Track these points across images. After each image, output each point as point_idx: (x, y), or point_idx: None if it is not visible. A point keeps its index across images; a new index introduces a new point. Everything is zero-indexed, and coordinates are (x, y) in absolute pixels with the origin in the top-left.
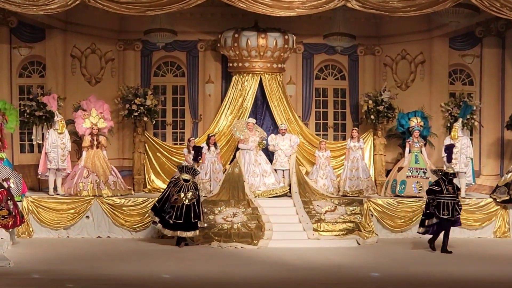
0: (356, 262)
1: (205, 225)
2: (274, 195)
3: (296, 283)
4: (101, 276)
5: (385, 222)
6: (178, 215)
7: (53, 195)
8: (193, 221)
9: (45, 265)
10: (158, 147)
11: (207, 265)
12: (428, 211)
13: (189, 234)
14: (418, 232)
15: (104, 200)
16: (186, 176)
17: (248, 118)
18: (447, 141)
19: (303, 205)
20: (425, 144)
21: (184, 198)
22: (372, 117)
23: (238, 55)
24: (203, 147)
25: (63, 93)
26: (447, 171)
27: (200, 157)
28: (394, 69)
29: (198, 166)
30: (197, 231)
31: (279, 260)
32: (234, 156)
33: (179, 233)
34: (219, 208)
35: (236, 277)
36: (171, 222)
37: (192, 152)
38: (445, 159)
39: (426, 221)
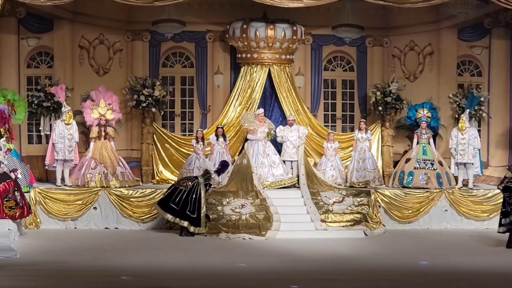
0: (363, 253)
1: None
2: (282, 186)
3: (303, 273)
4: (108, 267)
5: (393, 213)
6: (177, 200)
7: (60, 186)
8: (187, 212)
9: (52, 256)
10: (167, 138)
11: (215, 256)
12: (504, 209)
13: (184, 223)
14: (498, 232)
15: (112, 191)
16: (200, 179)
17: (257, 109)
18: (455, 132)
19: (311, 196)
20: (434, 136)
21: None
22: (380, 108)
23: (246, 46)
24: (228, 165)
25: (71, 84)
26: None
27: (222, 172)
28: (402, 61)
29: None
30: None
31: (287, 251)
32: (243, 147)
33: (171, 218)
34: (227, 199)
35: (243, 268)
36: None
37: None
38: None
39: (503, 219)
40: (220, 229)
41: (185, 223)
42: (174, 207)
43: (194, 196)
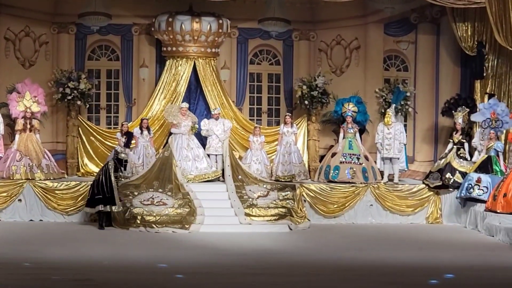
0: (288, 247)
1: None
2: (206, 180)
3: (226, 267)
4: (31, 260)
5: (318, 207)
6: (96, 191)
7: None
8: (107, 195)
9: None
10: (92, 131)
11: (139, 249)
12: None
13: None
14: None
15: (37, 183)
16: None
17: (182, 102)
18: (381, 126)
19: (236, 190)
20: (361, 130)
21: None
22: (306, 102)
23: (172, 40)
24: (133, 132)
25: None
26: None
27: (130, 142)
28: (329, 55)
29: (131, 151)
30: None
31: (211, 244)
32: (167, 141)
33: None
34: (141, 191)
35: (167, 261)
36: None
37: (125, 137)
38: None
39: None
40: (139, 221)
41: (113, 208)
42: (100, 197)
43: (104, 177)
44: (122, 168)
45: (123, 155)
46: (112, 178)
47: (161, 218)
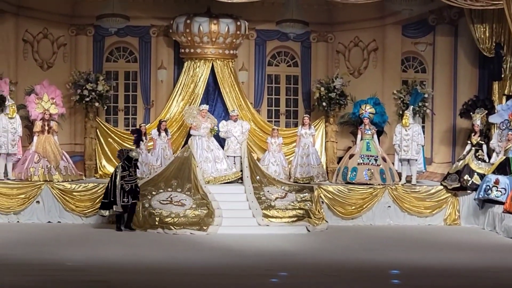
0: (305, 248)
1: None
2: (226, 181)
3: (243, 268)
4: (49, 261)
5: (336, 209)
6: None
7: (3, 180)
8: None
9: None
10: (110, 132)
11: (156, 250)
12: None
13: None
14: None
15: (55, 185)
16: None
17: (201, 104)
18: (399, 128)
19: (254, 191)
20: (379, 132)
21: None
22: (324, 104)
23: (190, 41)
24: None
25: (15, 78)
26: None
27: (140, 139)
28: (347, 56)
29: (149, 153)
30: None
31: (228, 246)
32: (186, 143)
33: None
34: (159, 190)
35: (184, 263)
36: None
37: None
38: None
39: None
40: (156, 223)
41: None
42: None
43: (110, 183)
44: (132, 169)
45: (134, 153)
46: (117, 181)
47: (179, 220)
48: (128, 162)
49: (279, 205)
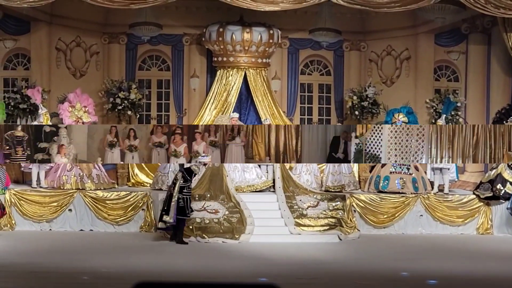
0: (337, 257)
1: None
2: (255, 190)
3: (274, 277)
4: (81, 269)
5: (368, 217)
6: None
7: (36, 188)
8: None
9: (25, 257)
10: None
11: (187, 259)
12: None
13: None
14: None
15: (87, 193)
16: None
17: (232, 112)
18: None
19: (286, 200)
20: None
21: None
22: (357, 112)
23: (222, 50)
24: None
25: (48, 86)
26: None
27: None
28: (380, 65)
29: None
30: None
31: (260, 254)
32: None
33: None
34: (195, 199)
35: (216, 271)
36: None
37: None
38: None
39: None
40: (191, 232)
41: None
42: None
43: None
44: (190, 183)
45: (194, 167)
46: (174, 193)
47: (213, 227)
48: (188, 175)
49: (311, 213)
